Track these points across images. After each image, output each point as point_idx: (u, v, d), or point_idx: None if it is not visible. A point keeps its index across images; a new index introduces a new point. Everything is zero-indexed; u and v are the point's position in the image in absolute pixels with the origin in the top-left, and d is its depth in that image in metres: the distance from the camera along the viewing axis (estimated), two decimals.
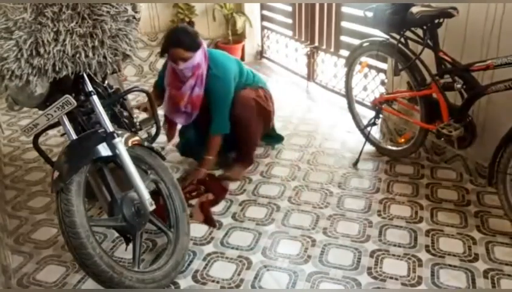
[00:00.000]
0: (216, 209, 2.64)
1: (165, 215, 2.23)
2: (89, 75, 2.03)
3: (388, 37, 2.75)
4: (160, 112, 2.90)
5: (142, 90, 2.46)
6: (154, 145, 2.37)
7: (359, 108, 3.36)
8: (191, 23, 2.77)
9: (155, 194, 2.20)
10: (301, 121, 3.71)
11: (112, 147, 1.96)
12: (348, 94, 3.23)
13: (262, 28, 5.16)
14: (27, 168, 3.16)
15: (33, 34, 1.79)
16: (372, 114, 3.02)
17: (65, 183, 1.83)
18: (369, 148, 3.13)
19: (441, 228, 2.39)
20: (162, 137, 3.01)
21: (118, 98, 2.42)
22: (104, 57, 1.94)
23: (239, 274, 2.16)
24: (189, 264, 2.23)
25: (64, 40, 1.83)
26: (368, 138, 3.10)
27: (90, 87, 2.02)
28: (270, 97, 3.12)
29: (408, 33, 2.58)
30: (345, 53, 3.87)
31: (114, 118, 2.39)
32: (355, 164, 3.02)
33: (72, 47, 1.85)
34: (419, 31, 2.53)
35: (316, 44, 4.30)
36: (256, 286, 2.09)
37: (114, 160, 2.01)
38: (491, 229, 2.37)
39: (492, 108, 2.57)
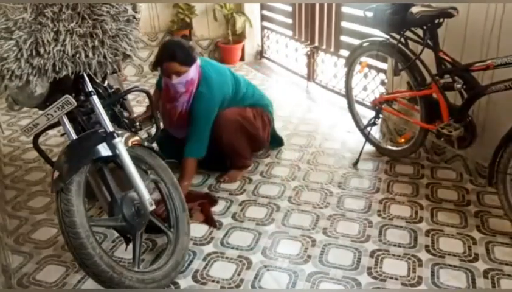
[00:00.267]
0: (216, 209, 2.64)
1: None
2: (89, 75, 2.03)
3: (388, 37, 2.75)
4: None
5: (142, 90, 2.46)
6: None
7: (359, 108, 3.35)
8: (185, 36, 2.71)
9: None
10: (301, 121, 3.71)
11: (112, 147, 1.96)
12: (348, 94, 3.23)
13: (262, 28, 5.16)
14: (27, 168, 3.16)
15: (33, 34, 1.79)
16: (372, 114, 3.02)
17: (65, 183, 1.83)
18: (369, 148, 3.13)
19: (441, 228, 2.39)
20: None
21: (118, 98, 2.42)
22: (104, 57, 1.94)
23: (239, 274, 2.16)
24: (189, 264, 2.23)
25: (64, 40, 1.83)
26: (368, 138, 3.10)
27: (90, 87, 2.02)
28: (268, 119, 3.01)
29: (408, 33, 2.58)
30: (345, 53, 3.87)
31: (114, 118, 2.39)
32: (355, 164, 3.02)
33: (72, 47, 1.85)
34: (419, 31, 2.53)
35: (316, 44, 4.30)
36: (256, 286, 2.09)
37: (114, 160, 2.01)
38: (491, 229, 2.37)
39: (492, 108, 2.57)
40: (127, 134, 2.13)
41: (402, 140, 2.95)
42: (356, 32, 3.78)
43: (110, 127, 1.99)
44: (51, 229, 2.52)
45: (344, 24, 3.93)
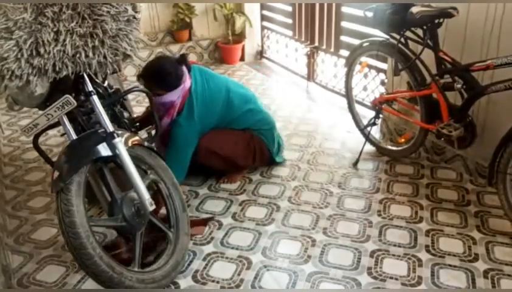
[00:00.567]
0: (216, 209, 2.64)
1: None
2: (89, 75, 2.03)
3: (388, 37, 2.75)
4: None
5: (142, 91, 2.46)
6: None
7: (359, 108, 3.35)
8: (183, 56, 2.57)
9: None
10: (301, 121, 3.71)
11: (112, 147, 1.96)
12: (348, 94, 3.23)
13: (262, 28, 5.16)
14: (27, 168, 3.16)
15: (33, 34, 1.79)
16: (372, 114, 3.02)
17: (65, 183, 1.83)
18: (369, 148, 3.13)
19: (441, 228, 2.39)
20: None
21: (118, 98, 2.42)
22: (105, 57, 1.94)
23: (239, 274, 2.16)
24: (189, 264, 2.23)
25: (64, 40, 1.83)
26: (368, 138, 3.10)
27: (90, 87, 2.02)
28: (260, 146, 2.84)
29: (408, 33, 2.58)
30: (345, 53, 3.87)
31: (114, 118, 2.39)
32: (355, 164, 3.02)
33: (72, 47, 1.85)
34: (419, 31, 2.53)
35: (316, 44, 4.30)
36: (256, 286, 2.09)
37: (114, 160, 2.01)
38: (491, 229, 2.37)
39: (492, 108, 2.57)
40: (127, 134, 2.13)
41: (402, 140, 2.95)
42: (356, 32, 3.78)
43: (110, 127, 1.99)
44: (51, 229, 2.52)
45: (344, 24, 3.93)
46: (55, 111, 1.88)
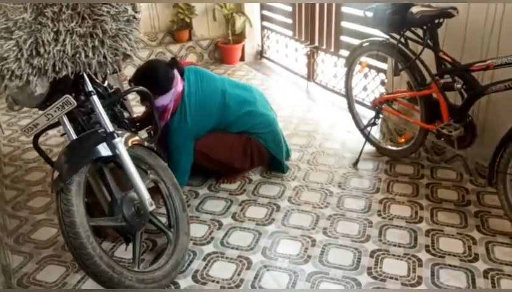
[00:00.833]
0: (216, 209, 2.64)
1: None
2: (89, 75, 2.03)
3: (388, 37, 2.75)
4: None
5: (142, 91, 2.46)
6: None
7: (359, 108, 3.35)
8: (175, 59, 2.55)
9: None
10: (301, 121, 3.71)
11: (112, 147, 1.96)
12: (348, 94, 3.23)
13: (262, 28, 5.16)
14: (27, 168, 3.16)
15: (33, 34, 1.79)
16: (372, 114, 3.02)
17: (65, 183, 1.83)
18: (369, 148, 3.13)
19: (441, 228, 2.39)
20: None
21: (118, 98, 2.42)
22: (105, 57, 1.94)
23: (239, 274, 2.16)
24: (189, 264, 2.23)
25: (64, 40, 1.83)
26: (368, 138, 3.10)
27: (90, 87, 2.02)
28: (258, 148, 2.78)
29: (408, 33, 2.58)
30: (345, 53, 3.87)
31: (114, 118, 2.39)
32: (355, 164, 3.02)
33: (72, 47, 1.85)
34: (419, 31, 2.53)
35: (316, 44, 4.30)
36: (256, 286, 2.09)
37: (114, 160, 2.01)
38: (491, 229, 2.37)
39: (492, 108, 2.57)
40: (127, 134, 2.13)
41: (402, 140, 2.95)
42: (356, 32, 3.78)
43: (110, 127, 1.99)
44: (51, 229, 2.52)
45: (344, 24, 3.93)
46: (55, 111, 1.88)
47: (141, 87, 2.31)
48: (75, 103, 1.89)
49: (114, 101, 2.39)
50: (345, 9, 3.87)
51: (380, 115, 3.03)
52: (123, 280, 1.86)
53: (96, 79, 2.23)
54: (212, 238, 2.41)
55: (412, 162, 3.01)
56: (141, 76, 2.54)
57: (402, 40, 2.61)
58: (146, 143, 2.23)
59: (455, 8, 2.35)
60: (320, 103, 4.10)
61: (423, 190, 2.72)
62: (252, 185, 2.86)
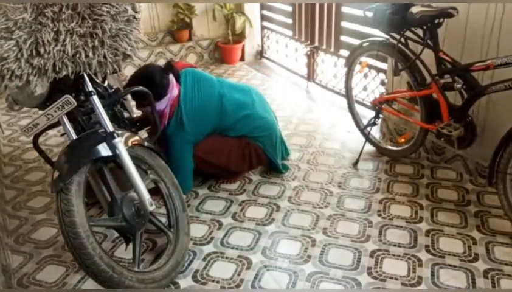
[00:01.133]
0: (216, 209, 2.64)
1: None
2: (89, 75, 2.03)
3: (388, 37, 2.75)
4: None
5: (142, 91, 2.46)
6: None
7: (359, 108, 3.35)
8: (170, 63, 2.53)
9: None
10: (301, 121, 3.71)
11: (112, 147, 1.96)
12: (348, 94, 3.23)
13: (262, 28, 5.16)
14: (27, 168, 3.16)
15: (33, 34, 1.79)
16: (372, 114, 3.02)
17: (65, 183, 1.83)
18: (369, 148, 3.13)
19: (441, 228, 2.39)
20: None
21: (118, 98, 2.42)
22: (105, 57, 1.94)
23: (239, 274, 2.16)
24: (189, 264, 2.23)
25: (64, 40, 1.83)
26: (368, 138, 3.10)
27: (90, 87, 2.02)
28: (257, 152, 2.78)
29: (408, 33, 2.58)
30: (345, 53, 3.87)
31: (114, 118, 2.39)
32: (355, 164, 3.02)
33: (72, 47, 1.85)
34: (419, 31, 2.53)
35: (316, 44, 4.30)
36: (256, 286, 2.09)
37: (114, 160, 2.01)
38: (491, 229, 2.37)
39: (492, 108, 2.57)
40: (127, 134, 2.13)
41: (402, 140, 2.95)
42: (356, 32, 3.78)
43: (110, 127, 1.99)
44: (51, 229, 2.52)
45: (344, 24, 3.93)
46: (55, 111, 1.88)
47: (141, 87, 2.30)
48: (75, 103, 1.89)
49: (114, 101, 2.39)
50: (345, 9, 3.88)
51: (380, 115, 3.03)
52: (123, 280, 1.86)
53: (97, 80, 2.24)
54: (212, 238, 2.41)
55: (412, 162, 3.01)
56: (136, 82, 2.50)
57: (402, 40, 2.61)
58: (146, 143, 2.23)
59: (455, 8, 2.35)
60: (320, 103, 4.10)
61: (423, 190, 2.72)
62: (252, 185, 2.86)
